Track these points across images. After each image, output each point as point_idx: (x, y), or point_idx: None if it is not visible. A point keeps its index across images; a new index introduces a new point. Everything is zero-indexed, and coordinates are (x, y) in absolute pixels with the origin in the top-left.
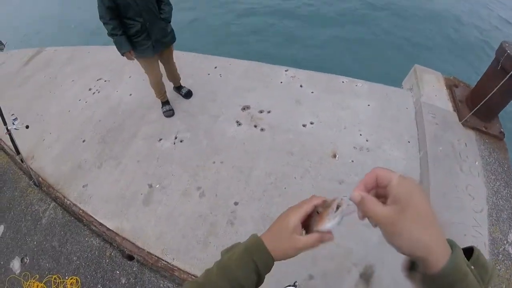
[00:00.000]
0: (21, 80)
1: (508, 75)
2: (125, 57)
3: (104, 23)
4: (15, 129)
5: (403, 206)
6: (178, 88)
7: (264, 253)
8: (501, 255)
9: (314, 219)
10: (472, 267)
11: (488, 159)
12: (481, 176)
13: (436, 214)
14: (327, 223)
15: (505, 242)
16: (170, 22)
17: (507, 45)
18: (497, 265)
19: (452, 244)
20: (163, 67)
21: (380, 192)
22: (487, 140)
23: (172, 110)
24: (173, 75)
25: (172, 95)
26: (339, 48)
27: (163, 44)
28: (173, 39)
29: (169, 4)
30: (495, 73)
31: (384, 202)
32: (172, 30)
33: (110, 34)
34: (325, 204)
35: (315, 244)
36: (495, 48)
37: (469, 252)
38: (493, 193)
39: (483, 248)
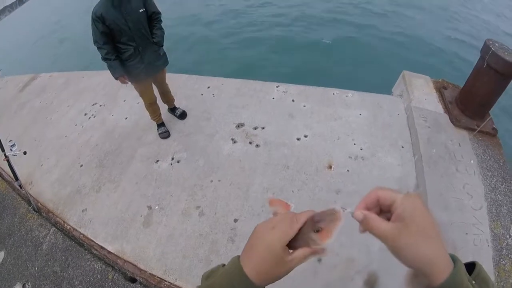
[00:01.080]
0: (17, 107)
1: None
2: (119, 81)
3: (98, 48)
4: (13, 155)
5: (407, 222)
6: (172, 110)
7: (248, 285)
8: (504, 250)
9: (306, 236)
10: (474, 282)
11: (483, 157)
12: (478, 174)
13: (439, 228)
14: (329, 240)
15: (507, 236)
16: (162, 45)
17: (491, 42)
18: (501, 260)
19: (454, 259)
20: (157, 89)
21: (383, 210)
22: (480, 138)
23: (168, 131)
24: (167, 97)
25: (167, 116)
26: (326, 62)
27: (156, 68)
28: (166, 62)
29: (161, 28)
30: (482, 71)
31: (387, 219)
32: (164, 54)
33: (104, 59)
34: (317, 219)
35: (306, 260)
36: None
37: (471, 266)
38: (491, 190)
39: (486, 245)
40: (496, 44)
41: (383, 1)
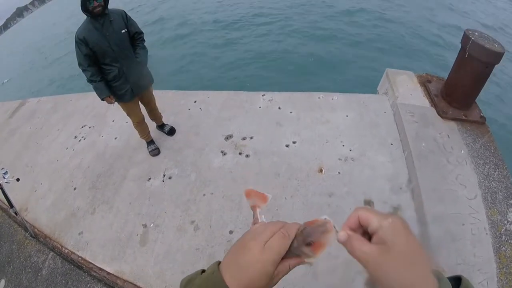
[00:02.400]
0: (7, 133)
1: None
2: (105, 102)
3: (82, 70)
4: (6, 182)
5: (388, 246)
6: (161, 127)
7: None
8: (504, 236)
9: (295, 249)
10: None
11: (473, 146)
12: (469, 163)
13: (422, 250)
14: (323, 252)
15: (505, 222)
16: (146, 65)
17: (470, 32)
18: (502, 246)
19: (439, 278)
20: (144, 108)
21: (366, 232)
22: (469, 128)
23: (158, 148)
24: (155, 115)
25: (156, 133)
26: (309, 67)
27: (141, 87)
28: (151, 80)
29: (144, 48)
30: (464, 61)
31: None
32: (148, 73)
33: (89, 81)
34: (307, 232)
35: (292, 268)
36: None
37: (458, 281)
38: (484, 177)
39: (484, 233)
40: (476, 34)
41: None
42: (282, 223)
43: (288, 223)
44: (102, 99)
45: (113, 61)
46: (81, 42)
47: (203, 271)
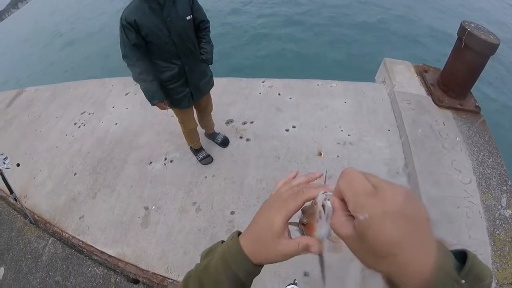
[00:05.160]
0: (5, 122)
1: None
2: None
3: (128, 65)
4: (6, 168)
5: (359, 237)
6: (211, 135)
7: (243, 261)
8: (498, 220)
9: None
10: (463, 281)
11: (468, 133)
12: (464, 150)
13: (407, 243)
14: (316, 234)
15: (499, 207)
16: (212, 63)
17: (466, 23)
18: (496, 230)
19: (440, 252)
20: (197, 114)
21: None
22: (464, 116)
23: (210, 156)
24: (207, 122)
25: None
26: (308, 56)
27: (203, 92)
28: (212, 84)
29: (210, 42)
30: (460, 51)
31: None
32: (212, 74)
33: (138, 79)
34: (311, 210)
35: (301, 253)
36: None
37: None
38: (478, 164)
39: (478, 217)
40: (472, 25)
41: None
42: (300, 190)
43: (306, 191)
44: (153, 104)
45: (172, 57)
46: (130, 27)
47: (223, 242)
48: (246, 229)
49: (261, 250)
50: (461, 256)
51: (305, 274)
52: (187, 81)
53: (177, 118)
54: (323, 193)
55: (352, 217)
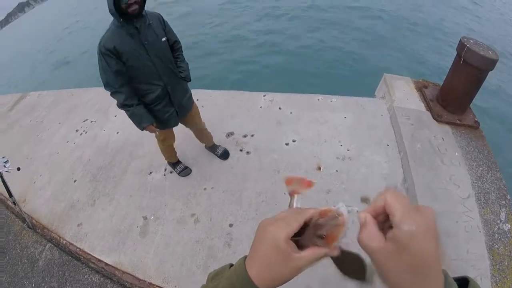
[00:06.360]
0: (6, 126)
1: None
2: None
3: (112, 93)
4: (6, 171)
5: (398, 250)
6: (212, 148)
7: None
8: (496, 234)
9: (312, 238)
10: None
11: (467, 149)
12: (463, 165)
13: (439, 261)
14: (335, 244)
15: (498, 221)
16: (190, 80)
17: (465, 40)
18: (494, 244)
19: (445, 276)
20: (191, 130)
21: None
22: (463, 131)
23: (189, 167)
24: (204, 135)
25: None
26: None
27: (187, 109)
28: (193, 101)
29: (185, 60)
30: (459, 67)
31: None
32: (190, 90)
33: (123, 106)
34: (320, 223)
35: (318, 259)
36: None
37: (464, 282)
38: (477, 179)
39: (477, 231)
40: (471, 41)
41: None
42: (299, 210)
43: (304, 211)
44: (142, 129)
45: (153, 79)
46: (110, 53)
47: (231, 265)
48: (250, 257)
49: (272, 274)
50: (461, 282)
51: None
52: (171, 101)
53: (159, 137)
54: (346, 206)
55: (382, 232)
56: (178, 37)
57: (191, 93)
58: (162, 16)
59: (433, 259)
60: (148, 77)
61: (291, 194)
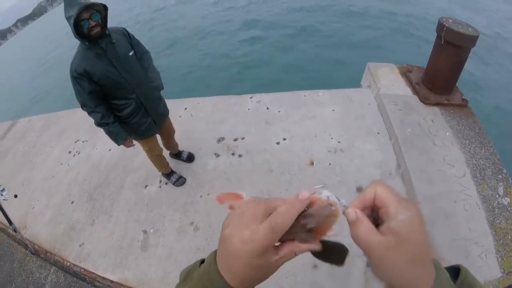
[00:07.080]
0: (0, 154)
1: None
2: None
3: (89, 113)
4: (4, 200)
5: (399, 240)
6: (177, 155)
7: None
8: (497, 209)
9: (294, 232)
10: None
11: (457, 127)
12: (455, 144)
13: (431, 247)
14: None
15: (497, 196)
16: (163, 89)
17: (444, 19)
18: (496, 219)
19: (436, 267)
20: (161, 139)
21: (374, 209)
22: (452, 111)
23: (183, 177)
24: (171, 143)
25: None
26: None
27: (163, 115)
28: (167, 109)
29: (155, 69)
30: (441, 48)
31: (376, 224)
32: (163, 97)
33: (100, 124)
34: (307, 213)
35: (298, 255)
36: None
37: (457, 270)
38: (471, 156)
39: (477, 208)
40: (450, 20)
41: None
42: (265, 203)
43: (275, 202)
44: (119, 144)
45: (127, 93)
46: (82, 77)
47: (202, 261)
48: (223, 264)
49: (254, 281)
50: (453, 271)
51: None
52: (146, 111)
53: (144, 148)
54: (331, 195)
55: (375, 226)
56: (147, 48)
57: (165, 101)
58: (127, 30)
59: (428, 245)
60: (121, 93)
61: (231, 209)
